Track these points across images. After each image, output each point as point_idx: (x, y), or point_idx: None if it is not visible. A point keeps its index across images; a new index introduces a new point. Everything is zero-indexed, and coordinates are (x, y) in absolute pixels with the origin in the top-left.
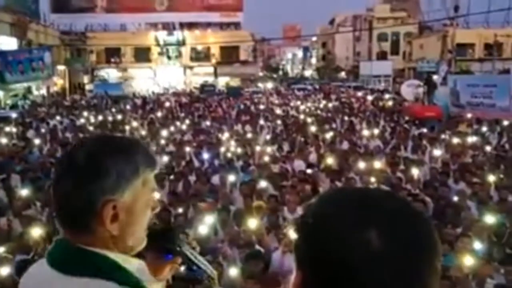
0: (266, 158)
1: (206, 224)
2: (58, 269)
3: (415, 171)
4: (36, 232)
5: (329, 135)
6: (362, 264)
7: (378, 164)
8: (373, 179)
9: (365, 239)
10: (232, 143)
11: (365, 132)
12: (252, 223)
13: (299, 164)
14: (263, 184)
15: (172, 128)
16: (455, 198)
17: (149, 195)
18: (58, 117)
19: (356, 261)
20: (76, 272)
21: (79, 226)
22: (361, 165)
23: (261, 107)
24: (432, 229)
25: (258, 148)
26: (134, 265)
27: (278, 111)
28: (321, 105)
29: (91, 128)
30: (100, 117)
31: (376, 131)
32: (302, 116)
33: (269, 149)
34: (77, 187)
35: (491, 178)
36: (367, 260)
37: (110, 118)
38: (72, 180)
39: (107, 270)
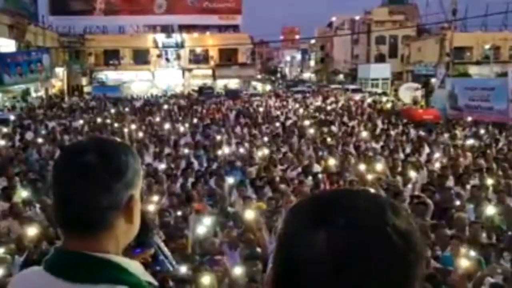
0: (265, 161)
1: (204, 226)
2: (65, 278)
3: (413, 174)
4: (35, 233)
5: (328, 138)
6: (306, 266)
7: (376, 166)
8: (371, 182)
9: (312, 241)
10: (231, 145)
11: (364, 135)
12: (249, 214)
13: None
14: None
15: (170, 131)
16: (453, 201)
17: None
18: (56, 120)
19: (301, 262)
20: (85, 278)
21: (98, 228)
22: (360, 167)
23: (260, 109)
24: (400, 243)
25: (256, 151)
26: (138, 267)
27: (277, 113)
28: (318, 103)
29: (89, 130)
30: (98, 119)
31: (374, 134)
32: (301, 119)
33: (267, 152)
34: (102, 188)
35: (489, 181)
36: (311, 263)
37: (108, 121)
38: (92, 182)
39: (115, 274)
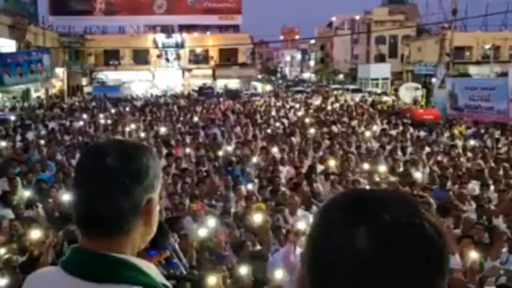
0: (265, 161)
1: (204, 226)
2: (83, 277)
3: (413, 173)
4: (36, 234)
5: (328, 138)
6: (346, 262)
7: (376, 167)
8: (372, 182)
9: (352, 238)
10: (232, 145)
11: (364, 135)
12: (258, 218)
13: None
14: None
15: (171, 131)
16: (454, 200)
17: None
18: (56, 120)
19: (340, 259)
20: (103, 279)
21: (116, 229)
22: (360, 168)
23: (260, 109)
24: (436, 236)
25: (257, 151)
26: (152, 268)
27: (276, 112)
28: (317, 103)
29: (90, 130)
30: (99, 119)
31: (375, 134)
32: (301, 119)
33: (268, 152)
34: (122, 191)
35: (490, 180)
36: (351, 259)
37: (109, 121)
38: (113, 185)
39: (132, 275)
